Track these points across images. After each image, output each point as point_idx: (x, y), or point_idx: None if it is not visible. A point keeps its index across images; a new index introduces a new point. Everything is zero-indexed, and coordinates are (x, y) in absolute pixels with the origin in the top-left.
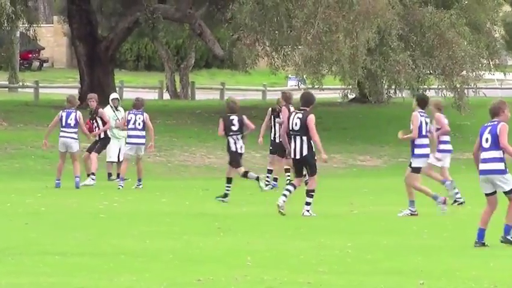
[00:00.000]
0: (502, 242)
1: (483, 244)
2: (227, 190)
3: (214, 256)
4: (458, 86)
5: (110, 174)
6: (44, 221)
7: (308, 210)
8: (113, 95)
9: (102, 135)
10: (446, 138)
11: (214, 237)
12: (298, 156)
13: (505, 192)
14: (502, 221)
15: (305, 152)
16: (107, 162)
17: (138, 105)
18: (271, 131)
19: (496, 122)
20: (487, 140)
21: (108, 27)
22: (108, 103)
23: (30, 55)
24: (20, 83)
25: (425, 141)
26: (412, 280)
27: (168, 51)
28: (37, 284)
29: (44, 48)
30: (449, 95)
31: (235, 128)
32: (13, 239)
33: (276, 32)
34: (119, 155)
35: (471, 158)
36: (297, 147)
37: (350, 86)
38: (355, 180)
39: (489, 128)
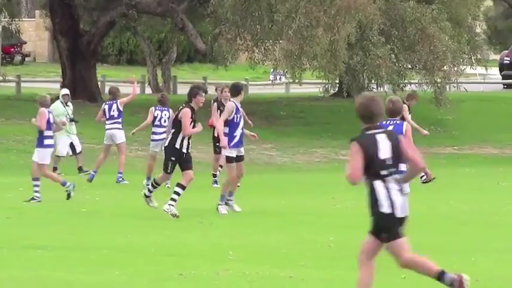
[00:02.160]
0: None
1: None
2: None
3: (196, 251)
4: (439, 81)
5: (55, 168)
6: (25, 216)
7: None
8: (64, 91)
9: None
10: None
11: (196, 232)
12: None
13: None
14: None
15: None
16: (56, 156)
17: (163, 101)
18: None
19: (398, 122)
20: None
21: (90, 21)
22: (58, 98)
23: (12, 49)
24: (2, 77)
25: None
26: (394, 275)
27: (150, 45)
28: (19, 278)
29: (26, 43)
30: (430, 89)
31: None
32: None
33: (258, 26)
34: (72, 149)
35: (453, 153)
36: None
37: (330, 81)
38: (337, 175)
39: (391, 127)
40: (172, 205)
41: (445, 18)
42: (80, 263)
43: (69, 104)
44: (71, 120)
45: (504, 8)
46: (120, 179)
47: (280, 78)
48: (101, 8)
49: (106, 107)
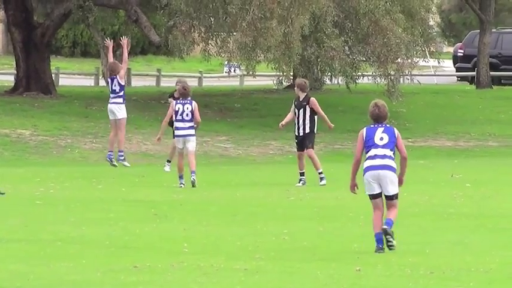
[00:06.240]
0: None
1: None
2: None
3: (150, 243)
4: (392, 73)
5: None
6: None
7: None
8: None
9: None
10: None
11: (150, 223)
12: None
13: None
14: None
15: None
16: None
17: (186, 93)
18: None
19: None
20: (381, 138)
21: (44, 13)
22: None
23: None
24: None
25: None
26: (348, 267)
27: (104, 37)
28: None
29: None
30: (383, 82)
31: None
32: None
33: (212, 18)
34: None
35: (407, 145)
36: None
37: (284, 73)
38: (292, 167)
39: (383, 129)
40: None
41: (398, 11)
42: (34, 255)
43: None
44: None
45: (457, 1)
46: (122, 158)
47: (234, 70)
48: (54, 0)
49: (109, 80)
